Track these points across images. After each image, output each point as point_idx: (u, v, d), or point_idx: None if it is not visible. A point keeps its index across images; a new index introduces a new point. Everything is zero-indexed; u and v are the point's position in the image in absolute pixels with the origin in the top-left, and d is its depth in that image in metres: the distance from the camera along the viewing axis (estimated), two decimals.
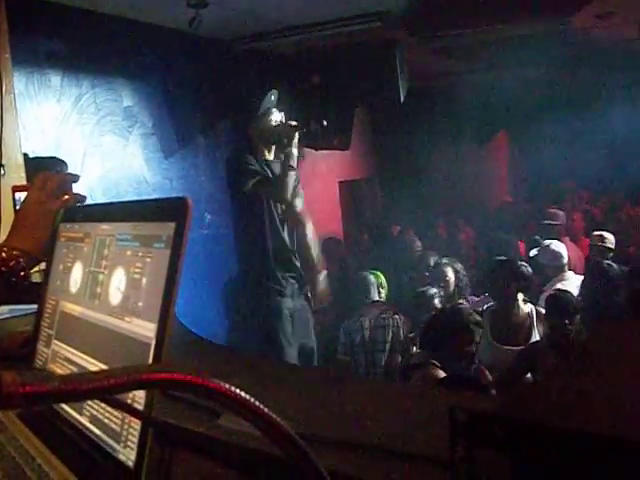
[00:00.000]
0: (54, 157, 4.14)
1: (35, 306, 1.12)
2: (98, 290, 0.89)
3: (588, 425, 0.61)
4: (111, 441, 0.76)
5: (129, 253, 0.84)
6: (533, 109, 9.11)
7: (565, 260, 5.33)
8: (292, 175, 4.39)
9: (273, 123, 4.50)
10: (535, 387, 0.77)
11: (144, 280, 0.78)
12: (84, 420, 0.84)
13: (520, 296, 4.45)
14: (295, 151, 4.45)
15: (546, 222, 7.20)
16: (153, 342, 0.72)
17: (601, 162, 9.09)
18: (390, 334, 4.64)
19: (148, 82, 5.74)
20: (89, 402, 0.83)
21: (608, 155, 9.18)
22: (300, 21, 6.09)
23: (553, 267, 5.32)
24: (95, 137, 5.36)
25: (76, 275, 0.98)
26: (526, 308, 4.47)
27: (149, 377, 0.54)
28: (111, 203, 0.99)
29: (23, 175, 2.93)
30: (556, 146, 9.30)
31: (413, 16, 6.13)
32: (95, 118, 5.35)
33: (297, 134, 4.45)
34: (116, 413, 0.76)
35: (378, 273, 5.46)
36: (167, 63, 5.77)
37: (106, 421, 0.78)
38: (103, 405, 0.79)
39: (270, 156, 4.60)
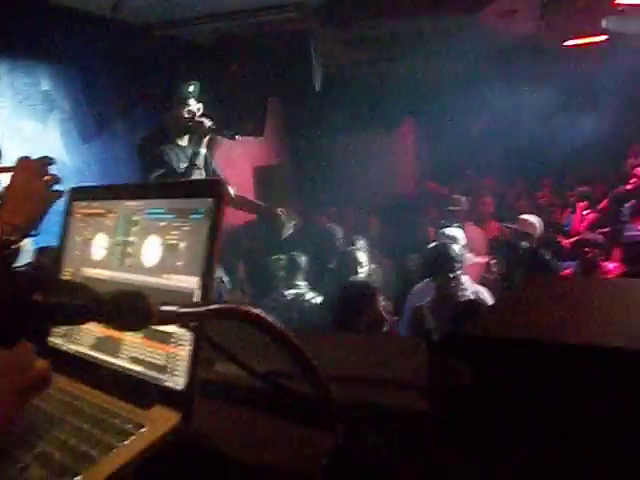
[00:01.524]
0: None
1: None
2: (129, 255, 1.07)
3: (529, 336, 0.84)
4: (158, 374, 0.95)
5: (163, 224, 1.02)
6: (442, 99, 9.49)
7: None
8: (197, 173, 4.52)
9: (186, 114, 4.58)
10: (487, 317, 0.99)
11: (182, 244, 0.97)
12: (125, 363, 1.02)
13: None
14: (203, 150, 4.55)
15: (450, 208, 7.60)
16: (197, 291, 0.91)
17: (506, 151, 9.59)
18: None
19: (67, 67, 5.73)
20: (129, 344, 1.01)
21: (512, 145, 9.67)
22: (218, 9, 6.20)
23: None
24: (13, 121, 5.34)
25: (100, 245, 1.14)
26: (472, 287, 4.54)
27: (237, 310, 0.73)
28: (130, 184, 1.16)
29: None
30: (462, 133, 9.73)
31: (327, 7, 6.33)
32: (13, 102, 5.34)
33: (208, 135, 4.56)
34: (160, 351, 0.94)
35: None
36: (86, 48, 5.77)
37: (151, 360, 0.97)
38: (146, 348, 0.98)
39: (183, 142, 4.68)
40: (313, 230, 7.78)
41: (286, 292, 5.27)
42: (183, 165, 4.54)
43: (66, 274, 1.20)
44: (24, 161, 1.56)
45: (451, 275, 4.33)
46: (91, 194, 1.23)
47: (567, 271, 5.26)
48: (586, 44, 8.14)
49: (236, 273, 6.49)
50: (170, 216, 1.01)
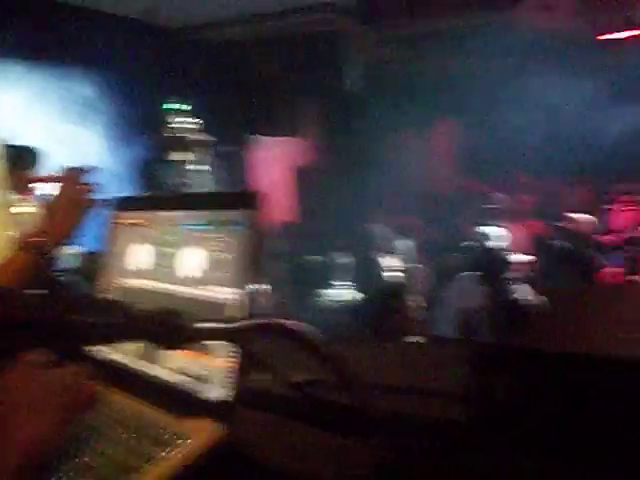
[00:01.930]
0: (27, 146, 4.23)
1: None
2: (172, 266, 1.08)
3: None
4: (202, 385, 0.95)
5: (205, 235, 1.03)
6: (479, 96, 9.39)
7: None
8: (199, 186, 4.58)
9: (183, 132, 4.59)
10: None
11: (224, 256, 0.97)
12: (169, 373, 1.02)
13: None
14: (192, 166, 4.56)
15: (488, 206, 7.54)
16: (238, 304, 0.91)
17: (545, 148, 9.47)
18: None
19: (106, 71, 5.82)
20: (173, 356, 1.02)
21: (551, 142, 9.54)
22: (251, 11, 6.24)
23: None
24: (54, 126, 5.44)
25: (143, 255, 1.16)
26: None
27: (271, 325, 0.73)
28: (172, 195, 1.18)
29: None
30: (501, 131, 9.63)
31: (359, 7, 6.34)
32: (54, 107, 5.44)
33: (208, 150, 4.57)
34: (203, 362, 0.95)
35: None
36: (124, 52, 5.85)
37: (195, 371, 0.97)
38: (191, 359, 0.98)
39: (178, 156, 4.69)
40: (356, 230, 7.80)
41: (323, 292, 5.30)
42: (178, 181, 4.58)
43: (110, 284, 1.22)
44: (70, 175, 1.59)
45: (503, 277, 4.23)
46: (135, 204, 1.24)
47: (608, 269, 5.19)
48: (622, 38, 8.03)
49: (275, 274, 6.52)
50: (212, 227, 1.01)
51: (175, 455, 0.84)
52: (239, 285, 0.92)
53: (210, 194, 1.08)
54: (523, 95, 9.22)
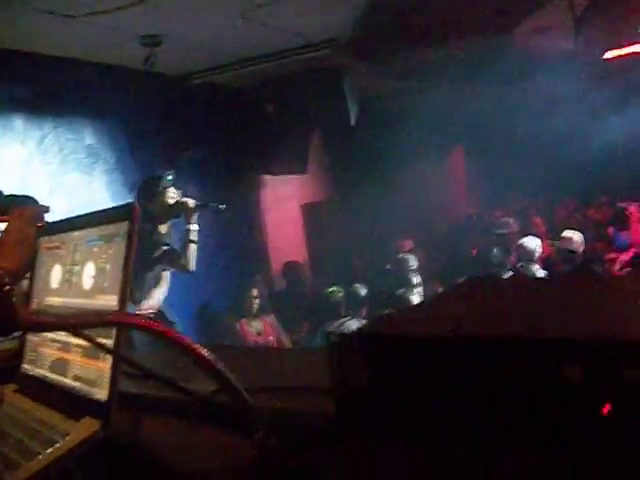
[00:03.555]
0: (27, 195, 4.37)
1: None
2: (74, 281, 1.15)
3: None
4: (90, 387, 1.02)
5: (96, 249, 1.10)
6: (485, 123, 9.47)
7: None
8: (193, 247, 4.84)
9: (170, 201, 4.86)
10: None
11: (108, 266, 1.04)
12: (70, 380, 1.09)
13: None
14: (195, 227, 4.83)
15: (498, 231, 7.56)
16: (115, 307, 0.98)
17: (554, 170, 9.48)
18: None
19: (108, 120, 5.98)
20: (73, 364, 1.09)
21: (560, 162, 9.55)
22: (251, 53, 6.37)
23: None
24: (60, 175, 5.60)
25: (56, 274, 1.24)
26: None
27: (115, 319, 0.79)
28: (78, 216, 1.25)
29: None
30: (510, 157, 9.67)
31: (358, 41, 6.43)
32: (59, 157, 5.60)
33: (195, 212, 4.83)
34: (93, 368, 1.02)
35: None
36: (125, 100, 6.00)
37: (86, 375, 1.04)
38: (84, 366, 1.05)
39: (164, 229, 4.96)
40: (378, 261, 7.87)
41: (336, 323, 5.35)
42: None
43: (34, 304, 1.29)
44: (18, 210, 1.66)
45: None
46: (51, 229, 1.33)
47: None
48: (627, 54, 8.02)
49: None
50: (101, 242, 1.09)
51: (55, 450, 0.90)
52: (115, 291, 0.98)
53: (100, 211, 1.14)
54: (531, 118, 9.28)
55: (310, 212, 9.24)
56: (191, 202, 4.85)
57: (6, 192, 4.70)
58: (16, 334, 1.81)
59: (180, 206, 4.86)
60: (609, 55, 8.07)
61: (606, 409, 0.70)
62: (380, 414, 0.87)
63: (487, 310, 1.01)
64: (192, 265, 4.90)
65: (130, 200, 5.13)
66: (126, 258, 0.98)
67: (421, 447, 0.86)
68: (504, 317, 0.95)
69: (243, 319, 6.29)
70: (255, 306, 6.45)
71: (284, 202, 8.42)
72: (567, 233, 6.19)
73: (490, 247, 6.67)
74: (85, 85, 5.57)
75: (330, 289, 5.89)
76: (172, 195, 4.91)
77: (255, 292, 6.48)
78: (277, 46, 6.26)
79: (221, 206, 4.88)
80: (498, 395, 0.77)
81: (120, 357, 0.94)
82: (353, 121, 6.69)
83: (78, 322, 0.76)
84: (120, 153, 6.12)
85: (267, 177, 7.83)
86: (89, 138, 5.85)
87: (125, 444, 1.05)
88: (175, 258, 4.90)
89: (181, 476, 0.99)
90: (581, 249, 5.92)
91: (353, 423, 0.90)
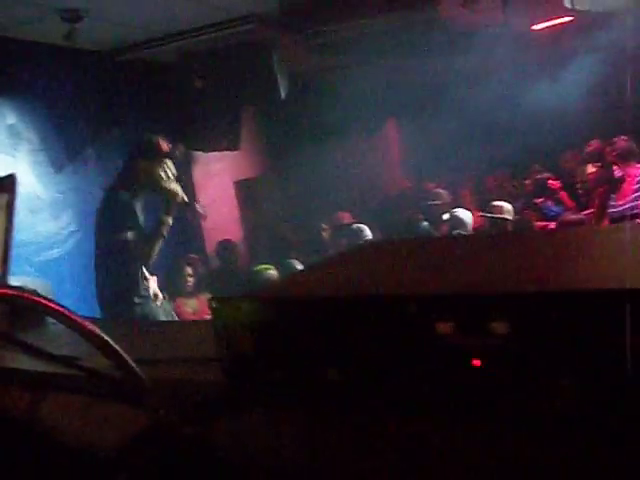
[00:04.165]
0: None
1: None
2: None
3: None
4: None
5: None
6: (419, 97, 9.53)
7: None
8: (160, 242, 4.79)
9: (163, 175, 4.71)
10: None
11: None
12: None
13: None
14: (170, 220, 4.73)
15: (430, 203, 7.67)
16: None
17: (481, 142, 9.59)
18: None
19: (30, 98, 5.80)
20: None
21: (485, 135, 9.67)
22: (177, 27, 6.27)
23: None
24: None
25: None
26: None
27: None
28: None
29: None
30: (442, 130, 9.75)
31: (287, 15, 6.39)
32: None
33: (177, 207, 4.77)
34: None
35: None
36: (48, 78, 5.84)
37: None
38: None
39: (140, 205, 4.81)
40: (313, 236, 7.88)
41: None
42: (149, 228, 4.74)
43: None
44: None
45: None
46: None
47: None
48: (554, 26, 8.17)
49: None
50: None
51: None
52: None
53: None
54: (460, 91, 9.37)
55: (244, 188, 9.18)
56: (181, 195, 4.71)
57: None
58: None
59: (168, 192, 4.68)
60: (537, 27, 8.22)
61: (476, 362, 0.71)
62: (267, 380, 0.87)
63: (373, 271, 1.01)
64: (151, 259, 4.79)
65: (58, 181, 5.02)
66: (6, 229, 0.96)
67: (308, 412, 0.86)
68: (387, 277, 0.96)
69: (178, 298, 6.24)
70: (189, 285, 6.41)
71: (217, 179, 8.34)
72: (497, 203, 6.31)
73: (419, 220, 6.76)
74: (5, 62, 5.40)
75: (261, 266, 5.88)
76: (169, 171, 4.72)
77: (190, 270, 6.44)
78: (204, 20, 6.17)
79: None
80: (375, 354, 0.78)
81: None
82: (283, 95, 6.64)
83: None
84: (45, 133, 5.95)
85: (199, 154, 7.72)
86: (11, 117, 5.67)
87: (21, 421, 1.03)
88: (140, 245, 4.71)
89: (76, 451, 0.98)
90: (510, 218, 6.05)
91: (242, 391, 0.90)
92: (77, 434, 1.02)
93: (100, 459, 0.95)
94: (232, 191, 8.91)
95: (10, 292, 0.77)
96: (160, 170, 4.70)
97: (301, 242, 8.25)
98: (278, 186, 9.95)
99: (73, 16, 5.21)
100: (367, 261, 1.11)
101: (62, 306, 0.79)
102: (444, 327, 0.72)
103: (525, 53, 8.68)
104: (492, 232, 6.19)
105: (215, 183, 8.24)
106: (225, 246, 7.24)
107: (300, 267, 6.56)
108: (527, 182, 8.68)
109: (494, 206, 6.30)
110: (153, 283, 4.89)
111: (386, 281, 0.93)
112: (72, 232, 6.11)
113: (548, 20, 8.07)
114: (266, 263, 6.26)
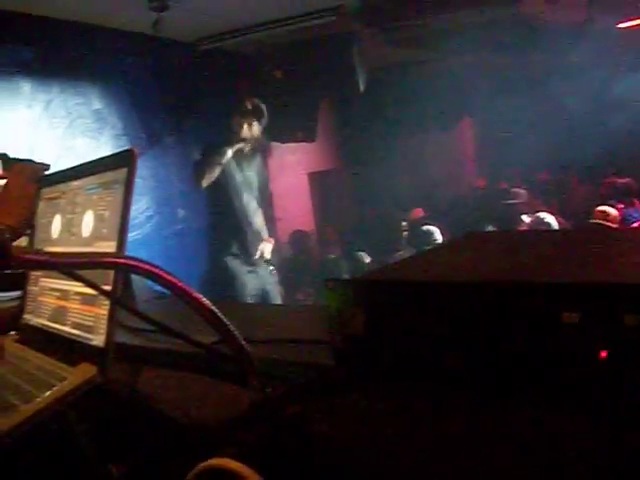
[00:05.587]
0: (30, 159, 4.35)
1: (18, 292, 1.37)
2: (73, 230, 1.15)
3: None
4: (88, 334, 1.02)
5: (95, 197, 1.10)
6: (492, 93, 9.36)
7: None
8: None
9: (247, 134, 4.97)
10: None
11: (107, 213, 1.04)
12: (68, 328, 1.09)
13: None
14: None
15: (508, 202, 7.52)
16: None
17: (560, 142, 9.39)
18: None
19: (116, 85, 5.94)
20: (71, 311, 1.09)
21: (566, 135, 9.45)
22: (259, 19, 6.31)
23: None
24: (67, 139, 5.56)
25: (56, 224, 1.23)
26: None
27: (110, 260, 0.79)
28: (77, 165, 1.25)
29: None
30: (516, 128, 9.58)
31: (368, 8, 6.37)
32: (66, 121, 5.56)
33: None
34: (91, 314, 1.02)
35: None
36: (133, 65, 5.97)
37: (84, 322, 1.04)
38: (82, 313, 1.05)
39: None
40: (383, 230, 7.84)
41: None
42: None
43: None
44: (18, 167, 1.65)
45: None
46: (52, 180, 1.32)
47: None
48: None
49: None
50: (100, 189, 1.08)
51: (52, 394, 0.91)
52: (114, 237, 0.98)
53: (100, 159, 1.13)
54: (537, 91, 9.19)
55: (317, 181, 9.21)
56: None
57: (12, 155, 4.72)
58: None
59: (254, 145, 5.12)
60: (623, 25, 7.99)
61: (604, 354, 0.70)
62: (379, 364, 0.87)
63: (486, 258, 1.00)
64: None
65: (138, 166, 5.20)
66: (124, 204, 0.98)
67: (422, 397, 0.85)
68: (503, 265, 0.94)
69: None
70: None
71: (291, 170, 8.38)
72: (602, 208, 6.09)
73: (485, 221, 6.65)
74: (92, 49, 5.53)
75: (332, 256, 5.89)
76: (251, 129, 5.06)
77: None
78: (285, 12, 6.20)
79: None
80: (498, 342, 0.77)
81: (117, 300, 0.94)
82: (362, 89, 6.63)
83: (71, 261, 0.75)
84: (128, 119, 6.08)
85: (274, 145, 7.77)
86: (96, 103, 5.81)
87: (122, 392, 1.05)
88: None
89: (176, 425, 0.99)
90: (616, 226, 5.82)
91: (352, 373, 0.89)
92: (176, 408, 1.04)
93: (206, 433, 0.97)
94: (306, 183, 8.93)
95: (131, 263, 0.78)
96: (244, 128, 5.08)
97: (372, 236, 8.23)
98: (351, 179, 9.95)
99: (160, 5, 5.31)
100: (476, 250, 1.09)
101: (178, 279, 0.81)
102: (570, 317, 0.70)
103: (610, 51, 8.44)
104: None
105: (289, 174, 8.28)
106: (299, 236, 7.29)
107: (368, 259, 6.55)
108: (606, 185, 8.46)
109: (599, 211, 6.08)
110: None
111: (505, 268, 0.92)
112: (149, 217, 6.22)
113: (635, 19, 7.83)
114: (336, 254, 6.27)
